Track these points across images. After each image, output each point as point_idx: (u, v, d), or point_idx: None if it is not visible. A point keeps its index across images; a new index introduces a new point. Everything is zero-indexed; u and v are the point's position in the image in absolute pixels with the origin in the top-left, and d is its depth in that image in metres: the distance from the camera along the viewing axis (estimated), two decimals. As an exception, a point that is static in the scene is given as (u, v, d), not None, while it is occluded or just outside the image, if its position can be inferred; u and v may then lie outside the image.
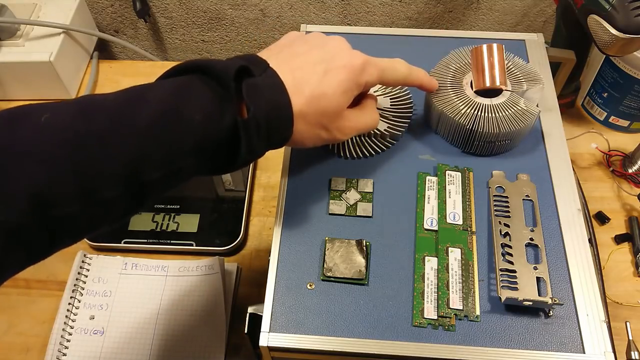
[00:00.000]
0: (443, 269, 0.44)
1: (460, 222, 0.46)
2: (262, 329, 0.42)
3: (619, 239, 0.63)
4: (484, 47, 0.49)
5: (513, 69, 0.52)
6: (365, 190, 0.49)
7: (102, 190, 0.32)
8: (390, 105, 0.53)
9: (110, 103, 0.34)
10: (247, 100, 0.36)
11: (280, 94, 0.38)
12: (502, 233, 0.45)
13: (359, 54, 0.43)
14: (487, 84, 0.48)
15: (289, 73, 0.39)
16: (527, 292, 0.42)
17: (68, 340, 0.59)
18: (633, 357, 0.54)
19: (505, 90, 0.50)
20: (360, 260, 0.44)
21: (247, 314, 0.46)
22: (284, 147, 0.52)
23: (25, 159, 0.29)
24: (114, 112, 0.33)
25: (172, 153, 0.34)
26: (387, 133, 0.51)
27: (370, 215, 0.47)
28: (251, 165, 0.71)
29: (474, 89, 0.49)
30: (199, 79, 0.37)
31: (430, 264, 0.44)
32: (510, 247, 0.44)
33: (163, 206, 0.67)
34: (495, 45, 0.48)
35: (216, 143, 0.36)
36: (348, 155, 0.51)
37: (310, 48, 0.42)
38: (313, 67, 0.40)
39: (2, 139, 0.30)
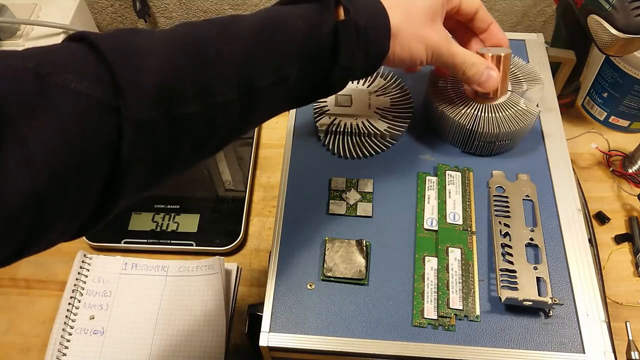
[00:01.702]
0: (443, 269, 0.44)
1: (460, 222, 0.46)
2: (262, 329, 0.42)
3: (619, 239, 0.63)
4: (489, 54, 0.47)
5: (513, 69, 0.52)
6: (365, 190, 0.49)
7: (219, 93, 0.33)
8: (390, 105, 0.53)
9: (213, 20, 0.35)
10: (346, 3, 0.37)
11: (377, 3, 0.39)
12: (502, 233, 0.45)
13: None
14: (490, 95, 0.48)
15: None
16: (527, 292, 0.42)
17: (68, 340, 0.59)
18: (633, 357, 0.54)
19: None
20: (360, 260, 0.44)
21: (247, 314, 0.46)
22: (284, 147, 0.52)
23: (150, 56, 0.31)
24: (221, 23, 0.35)
25: (278, 58, 0.35)
26: (387, 133, 0.51)
27: (370, 215, 0.47)
28: (251, 165, 0.71)
29: (476, 93, 0.49)
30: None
31: (430, 264, 0.44)
32: (510, 247, 0.44)
33: (163, 206, 0.67)
34: (502, 56, 0.46)
35: (319, 49, 0.37)
36: (348, 155, 0.51)
37: None
38: None
39: (126, 41, 0.31)
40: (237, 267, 0.63)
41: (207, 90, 0.32)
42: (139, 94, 0.29)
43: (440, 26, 0.43)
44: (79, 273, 0.63)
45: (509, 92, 0.50)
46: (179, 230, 0.65)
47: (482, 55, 0.47)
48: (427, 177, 0.49)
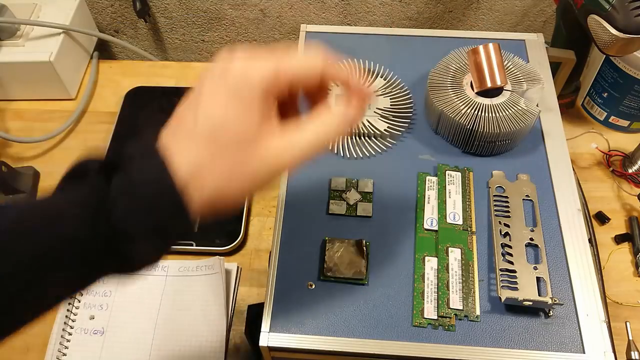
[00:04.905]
0: (443, 269, 0.44)
1: (460, 222, 0.46)
2: (262, 329, 0.42)
3: (619, 239, 0.63)
4: (480, 47, 0.49)
5: (513, 69, 0.52)
6: (365, 190, 0.49)
7: None
8: (390, 105, 0.53)
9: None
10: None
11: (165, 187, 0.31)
12: (502, 233, 0.45)
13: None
14: (489, 84, 0.48)
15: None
16: (527, 292, 0.42)
17: (68, 340, 0.59)
18: (633, 357, 0.54)
19: (506, 90, 0.50)
20: (360, 260, 0.44)
21: (247, 314, 0.46)
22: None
23: None
24: None
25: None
26: (387, 133, 0.51)
27: (370, 215, 0.47)
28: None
29: (475, 91, 0.49)
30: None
31: (430, 264, 0.44)
32: (510, 247, 0.44)
33: (163, 206, 0.67)
34: (491, 45, 0.48)
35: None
36: (348, 155, 0.51)
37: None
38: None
39: None
40: (237, 267, 0.63)
41: None
42: None
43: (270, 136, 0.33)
44: (79, 273, 0.63)
45: (509, 92, 0.50)
46: (179, 230, 0.65)
47: (472, 50, 0.48)
48: (427, 177, 0.49)
